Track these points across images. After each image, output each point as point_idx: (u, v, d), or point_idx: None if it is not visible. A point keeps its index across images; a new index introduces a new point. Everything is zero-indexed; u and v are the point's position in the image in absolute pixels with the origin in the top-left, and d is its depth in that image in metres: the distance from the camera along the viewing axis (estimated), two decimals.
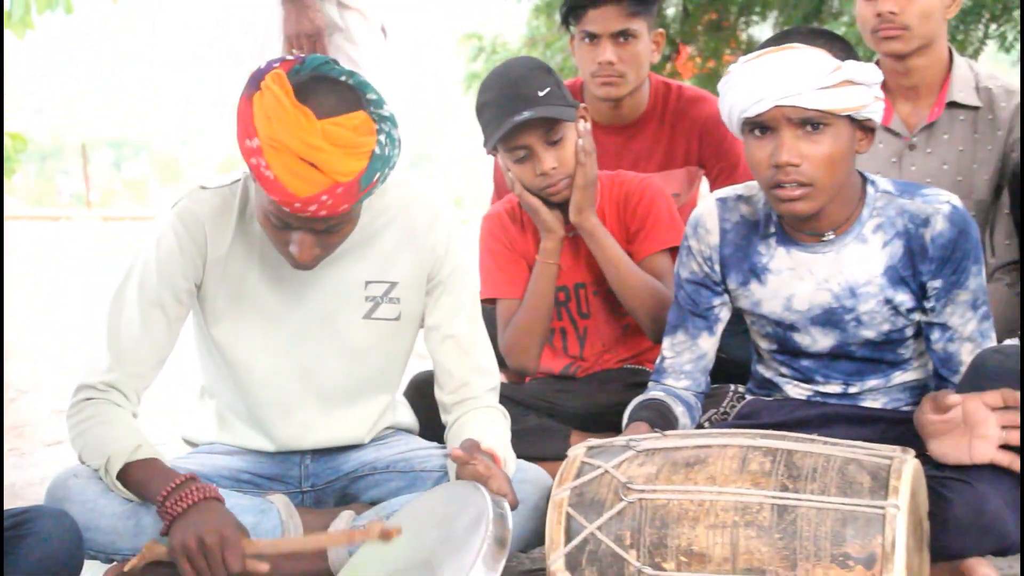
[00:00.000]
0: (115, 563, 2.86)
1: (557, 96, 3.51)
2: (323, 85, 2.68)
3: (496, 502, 2.54)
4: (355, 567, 2.72)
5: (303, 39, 4.86)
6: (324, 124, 2.62)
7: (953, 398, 2.63)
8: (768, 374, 3.21)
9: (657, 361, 3.24)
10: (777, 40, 2.89)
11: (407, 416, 3.36)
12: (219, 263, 3.00)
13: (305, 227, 2.75)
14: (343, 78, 2.73)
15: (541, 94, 3.48)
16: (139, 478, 2.80)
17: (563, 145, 3.52)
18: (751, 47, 11.63)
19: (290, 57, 2.73)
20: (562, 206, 3.61)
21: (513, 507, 2.65)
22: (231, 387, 3.15)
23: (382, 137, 2.70)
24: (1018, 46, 10.91)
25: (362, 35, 4.85)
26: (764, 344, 3.19)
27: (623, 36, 4.12)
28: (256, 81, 2.67)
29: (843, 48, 2.84)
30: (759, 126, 2.84)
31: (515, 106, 3.47)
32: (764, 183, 2.88)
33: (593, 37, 4.14)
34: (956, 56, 3.91)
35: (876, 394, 3.11)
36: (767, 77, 2.79)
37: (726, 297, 3.17)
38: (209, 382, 3.22)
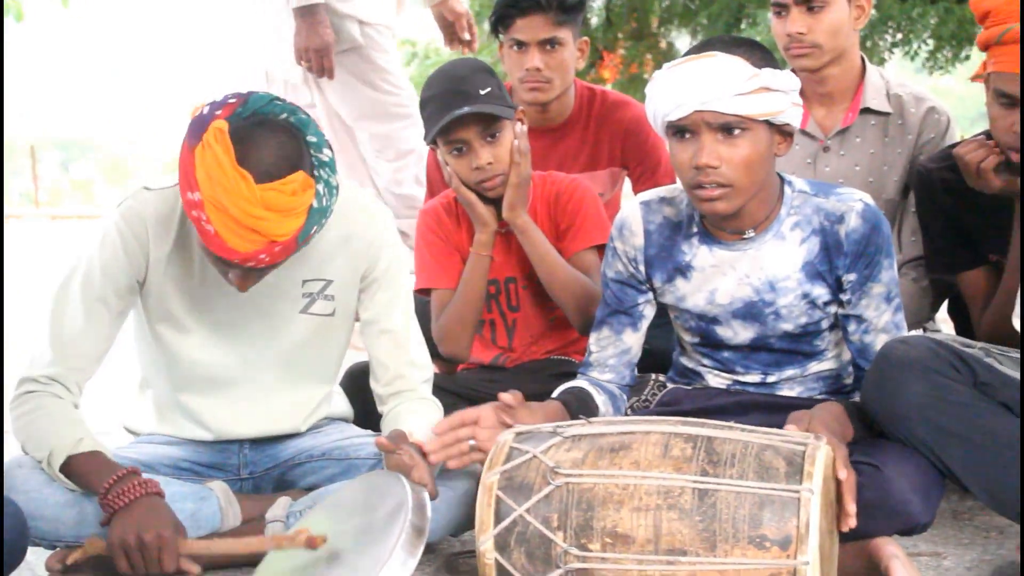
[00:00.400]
0: (58, 549, 2.83)
1: (497, 96, 3.53)
2: (263, 136, 2.66)
3: (416, 492, 2.54)
4: (278, 555, 2.70)
5: (311, 52, 4.88)
6: (263, 191, 2.62)
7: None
8: (690, 364, 3.22)
9: (585, 355, 3.24)
10: (699, 48, 2.88)
11: (343, 406, 3.36)
12: (161, 261, 2.97)
13: (241, 268, 2.75)
14: (283, 116, 2.72)
15: (482, 93, 3.50)
16: (82, 471, 2.78)
17: (499, 142, 3.53)
18: (671, 55, 11.71)
19: (232, 99, 2.69)
20: (496, 202, 3.61)
21: (433, 498, 2.66)
22: (170, 379, 3.12)
23: (320, 187, 2.72)
24: (922, 55, 11.04)
25: (387, 46, 4.86)
26: (687, 337, 3.19)
27: (550, 44, 4.15)
28: (198, 132, 2.65)
29: (762, 56, 2.84)
30: (681, 130, 2.83)
31: (456, 102, 3.48)
32: (686, 184, 2.88)
33: (521, 45, 4.16)
34: (868, 65, 3.94)
35: (793, 383, 3.12)
36: (688, 83, 2.79)
37: (651, 295, 3.16)
38: (149, 374, 3.19)
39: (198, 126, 2.65)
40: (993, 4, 3.33)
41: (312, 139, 2.73)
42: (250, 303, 3.02)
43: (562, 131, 4.34)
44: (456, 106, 3.47)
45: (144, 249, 2.96)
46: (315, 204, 2.70)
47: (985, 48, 3.29)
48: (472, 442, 2.84)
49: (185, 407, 3.13)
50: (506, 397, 2.88)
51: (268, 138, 2.66)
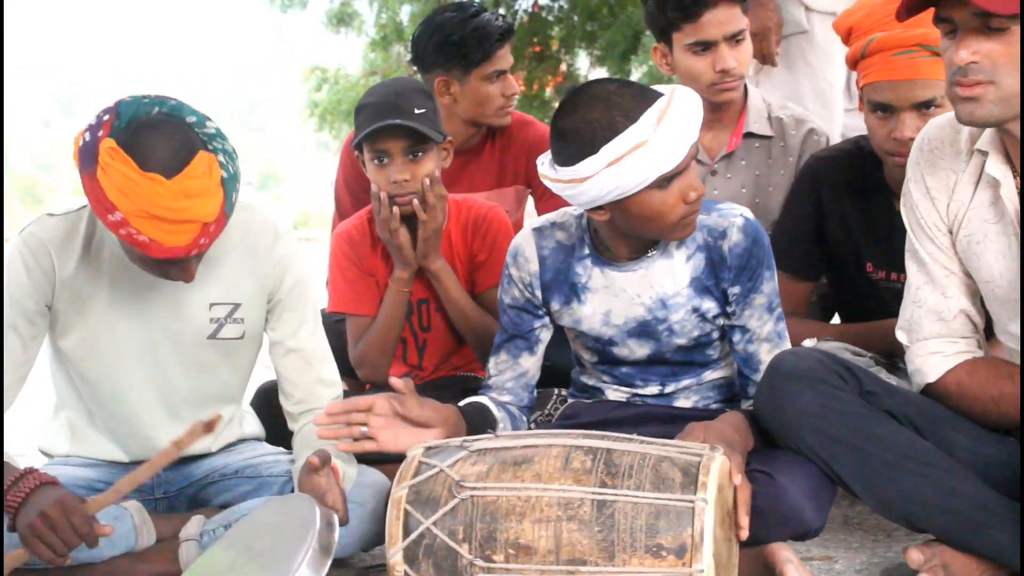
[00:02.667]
0: None
1: (431, 120, 3.52)
2: (151, 136, 2.66)
3: (325, 514, 2.54)
4: (193, 574, 2.71)
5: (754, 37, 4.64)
6: (177, 184, 2.62)
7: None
8: (590, 381, 3.24)
9: (484, 378, 3.25)
10: (590, 93, 2.83)
11: (254, 425, 3.35)
12: (67, 285, 2.96)
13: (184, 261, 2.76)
14: (157, 111, 2.72)
15: (417, 112, 3.49)
16: None
17: (420, 163, 3.53)
18: (572, 76, 11.78)
19: (105, 116, 2.69)
20: (411, 222, 3.59)
21: (343, 523, 2.69)
22: (83, 401, 3.11)
23: (221, 158, 2.72)
24: None
25: (825, 37, 4.72)
26: (586, 355, 3.21)
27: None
28: (91, 158, 2.64)
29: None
30: (674, 175, 2.81)
31: (391, 113, 3.47)
32: (679, 215, 2.85)
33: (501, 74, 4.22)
34: (750, 88, 3.97)
35: (689, 392, 3.15)
36: (688, 127, 2.78)
37: (547, 319, 3.18)
38: (62, 396, 3.17)
39: (88, 153, 2.64)
40: (853, 20, 3.42)
41: (192, 119, 2.74)
42: (159, 328, 3.02)
43: (473, 151, 4.35)
44: (389, 117, 3.47)
45: (49, 274, 2.94)
46: (224, 174, 2.72)
47: (854, 65, 3.37)
48: (364, 428, 2.84)
49: (99, 429, 3.12)
50: (397, 383, 2.88)
51: (156, 136, 2.66)
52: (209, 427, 2.58)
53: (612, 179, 2.74)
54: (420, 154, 3.53)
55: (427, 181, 3.53)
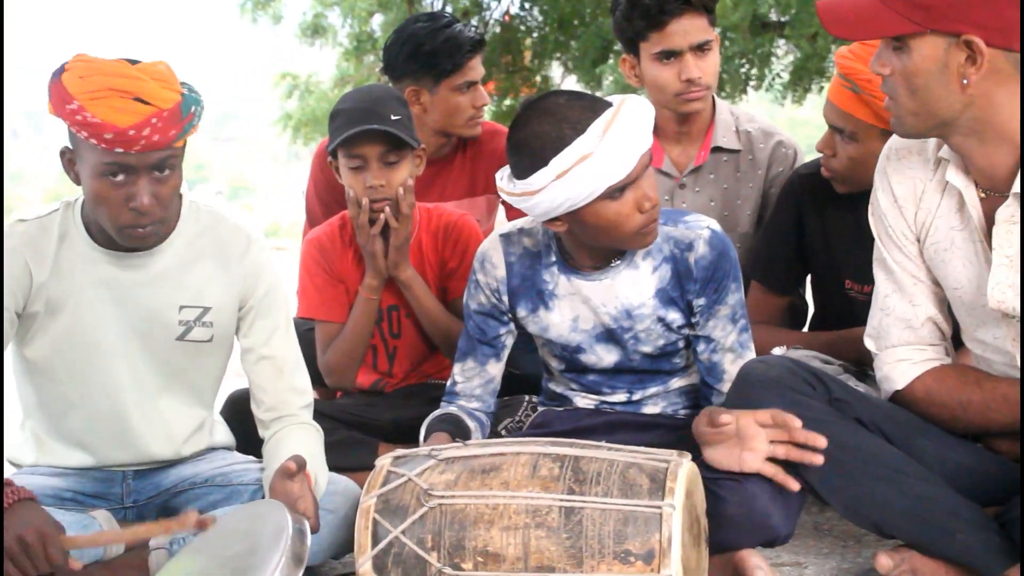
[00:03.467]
0: None
1: (406, 127, 3.54)
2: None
3: (297, 521, 2.53)
4: None
5: None
6: (139, 68, 2.79)
7: (725, 417, 2.69)
8: (558, 389, 3.24)
9: (448, 384, 3.25)
10: (541, 107, 2.85)
11: (224, 435, 3.33)
12: (41, 289, 2.94)
13: (141, 167, 2.78)
14: None
15: (393, 118, 3.50)
16: None
17: (396, 170, 3.54)
18: (546, 87, 11.81)
19: None
20: (384, 232, 3.60)
21: (314, 531, 2.67)
22: (50, 408, 3.09)
23: (184, 89, 2.84)
24: (776, 87, 11.29)
25: None
26: (554, 363, 3.21)
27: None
28: (59, 68, 2.78)
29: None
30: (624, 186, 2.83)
31: (367, 119, 3.48)
32: (637, 226, 2.87)
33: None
34: (718, 102, 3.98)
35: (657, 399, 3.17)
36: (636, 136, 2.80)
37: (512, 326, 3.19)
38: (27, 407, 3.14)
39: (57, 70, 2.79)
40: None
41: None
42: (128, 329, 3.01)
43: (444, 161, 4.36)
44: (366, 123, 3.47)
45: (22, 281, 2.93)
46: (185, 92, 2.83)
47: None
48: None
49: (67, 435, 3.09)
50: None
51: None
52: (201, 524, 2.57)
53: (562, 191, 2.76)
54: (395, 160, 3.54)
55: (401, 190, 3.53)
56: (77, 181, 2.89)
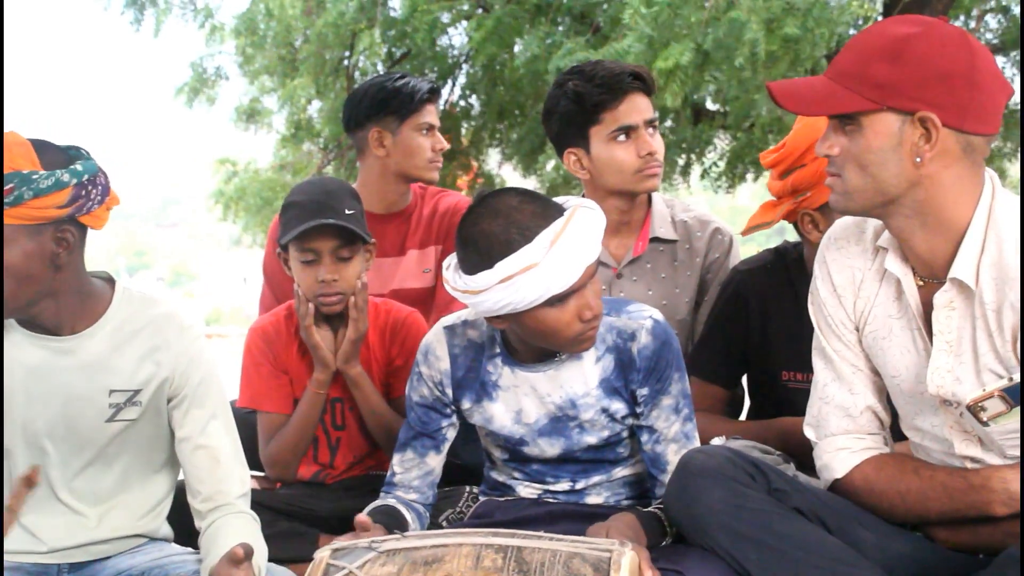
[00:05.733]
0: None
1: (359, 221, 3.54)
2: None
3: None
4: None
5: None
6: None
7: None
8: (500, 478, 3.23)
9: (388, 475, 3.22)
10: (495, 204, 2.83)
11: (163, 526, 3.28)
12: None
13: None
14: None
15: (348, 212, 3.50)
16: None
17: (349, 265, 3.54)
18: (481, 172, 11.87)
19: None
20: (332, 323, 3.60)
21: None
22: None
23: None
24: (712, 174, 11.43)
25: None
26: (497, 453, 3.20)
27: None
28: None
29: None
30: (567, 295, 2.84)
31: (321, 212, 3.48)
32: (575, 334, 2.88)
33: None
34: (654, 194, 4.00)
35: (600, 488, 3.15)
36: (581, 249, 2.80)
37: (455, 418, 3.17)
38: None
39: None
40: (817, 134, 3.40)
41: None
42: (58, 413, 2.97)
43: (403, 215, 4.44)
44: (319, 216, 3.47)
45: None
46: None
47: (816, 180, 3.38)
48: None
49: (18, 522, 3.05)
50: (364, 520, 2.84)
51: None
52: (29, 481, 2.55)
53: (505, 295, 2.77)
54: (348, 256, 3.54)
55: (359, 284, 3.55)
56: None
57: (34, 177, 2.76)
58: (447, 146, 4.42)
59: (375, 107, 4.30)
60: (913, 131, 2.54)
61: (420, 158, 4.33)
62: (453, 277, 2.86)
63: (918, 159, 2.55)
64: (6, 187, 2.73)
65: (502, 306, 2.79)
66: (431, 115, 4.34)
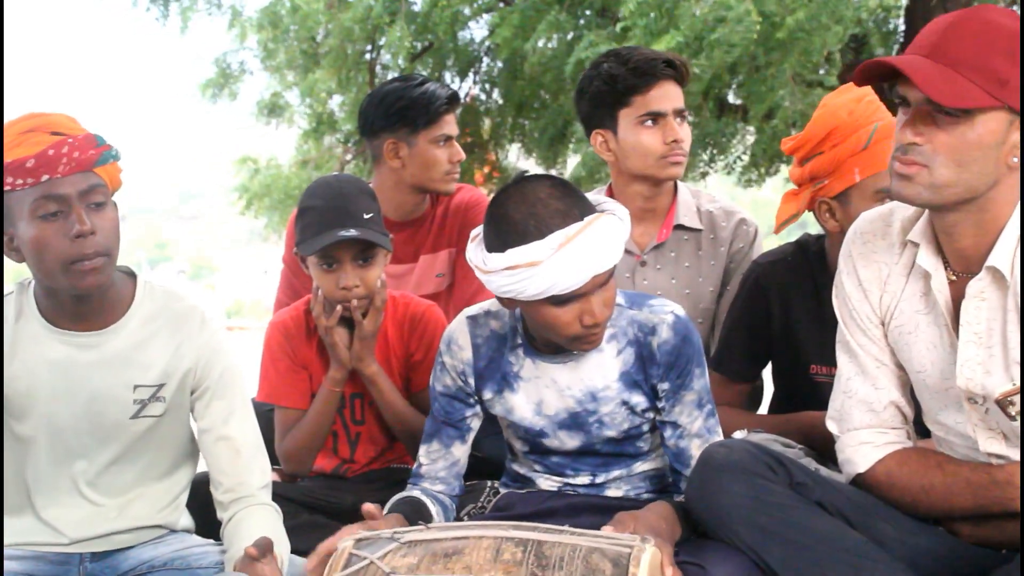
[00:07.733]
0: None
1: (377, 223, 3.52)
2: None
3: None
4: None
5: None
6: (43, 115, 2.89)
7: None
8: (522, 470, 3.22)
9: (414, 467, 3.22)
10: (524, 192, 2.81)
11: (184, 518, 3.28)
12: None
13: (72, 196, 2.80)
14: None
15: (366, 217, 3.47)
16: None
17: (370, 268, 3.51)
18: (501, 167, 11.86)
19: None
20: (349, 324, 3.59)
21: None
22: (18, 487, 3.06)
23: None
24: (737, 169, 11.40)
25: None
26: (518, 444, 3.20)
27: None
28: None
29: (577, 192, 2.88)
30: (570, 298, 2.83)
31: (341, 220, 3.45)
32: (572, 335, 2.88)
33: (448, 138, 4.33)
34: (680, 184, 4.03)
35: (620, 483, 3.14)
36: (587, 255, 2.77)
37: (478, 408, 3.17)
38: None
39: None
40: (836, 122, 3.40)
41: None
42: (84, 407, 2.98)
43: (418, 222, 4.42)
44: (339, 224, 3.43)
45: None
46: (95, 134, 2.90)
47: (834, 168, 3.37)
48: None
49: (38, 514, 3.06)
50: (371, 509, 2.84)
51: None
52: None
53: (508, 282, 2.77)
54: (370, 259, 3.52)
55: (378, 283, 3.54)
56: (20, 258, 2.87)
57: (113, 147, 2.86)
58: (464, 156, 4.38)
59: (391, 117, 4.25)
60: (1014, 132, 2.49)
61: (436, 170, 4.29)
62: (475, 249, 2.87)
63: (1014, 159, 2.50)
64: (100, 146, 2.83)
65: (505, 291, 2.81)
66: (449, 126, 4.29)
